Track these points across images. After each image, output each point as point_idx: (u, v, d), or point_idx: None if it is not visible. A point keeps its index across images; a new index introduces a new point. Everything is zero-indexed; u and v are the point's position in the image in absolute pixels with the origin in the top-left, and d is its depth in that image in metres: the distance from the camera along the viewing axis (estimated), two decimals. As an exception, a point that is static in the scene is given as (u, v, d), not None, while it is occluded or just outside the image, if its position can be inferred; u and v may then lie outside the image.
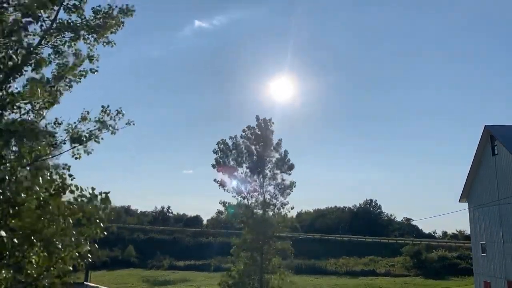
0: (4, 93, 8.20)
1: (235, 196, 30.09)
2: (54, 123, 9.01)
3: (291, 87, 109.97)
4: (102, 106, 9.35)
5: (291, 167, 30.11)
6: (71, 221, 7.37)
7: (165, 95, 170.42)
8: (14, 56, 7.79)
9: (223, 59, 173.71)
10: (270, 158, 30.22)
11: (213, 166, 30.39)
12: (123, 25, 9.37)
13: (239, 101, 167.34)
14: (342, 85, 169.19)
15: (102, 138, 9.27)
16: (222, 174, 30.18)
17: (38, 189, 7.21)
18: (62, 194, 7.38)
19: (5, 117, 8.31)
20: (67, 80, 9.13)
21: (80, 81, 9.26)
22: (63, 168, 8.08)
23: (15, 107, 8.37)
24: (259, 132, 30.30)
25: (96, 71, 9.35)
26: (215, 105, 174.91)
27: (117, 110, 9.38)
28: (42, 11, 8.21)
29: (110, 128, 9.38)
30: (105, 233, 7.70)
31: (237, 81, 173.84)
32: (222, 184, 29.99)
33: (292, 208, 30.58)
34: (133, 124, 9.59)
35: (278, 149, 30.34)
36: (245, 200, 30.15)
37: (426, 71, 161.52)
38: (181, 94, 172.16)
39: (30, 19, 8.00)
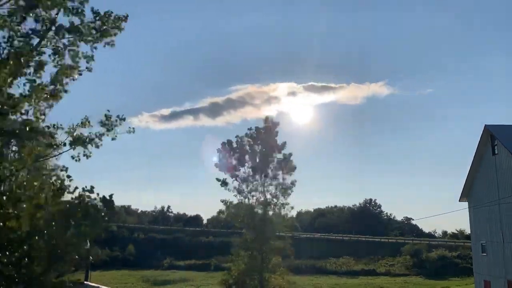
0: (5, 94, 8.21)
1: (236, 195, 30.16)
2: (53, 126, 9.02)
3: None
4: (105, 115, 9.40)
5: (292, 168, 30.13)
6: (71, 221, 7.39)
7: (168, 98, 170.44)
8: (14, 57, 7.80)
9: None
10: (272, 159, 30.27)
11: (216, 165, 30.55)
12: (123, 30, 9.42)
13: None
14: (343, 86, 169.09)
15: (101, 144, 9.31)
16: (225, 173, 30.13)
17: (38, 189, 7.23)
18: (61, 194, 7.41)
19: (6, 118, 8.32)
20: (67, 81, 9.14)
21: (76, 79, 9.29)
22: (61, 170, 8.10)
23: (16, 108, 8.38)
24: (264, 133, 30.44)
25: (91, 69, 9.39)
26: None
27: (117, 116, 9.42)
28: (43, 12, 8.21)
29: (111, 134, 9.42)
30: (105, 232, 7.73)
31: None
32: (224, 183, 30.04)
33: (292, 208, 30.61)
34: (133, 132, 9.63)
35: (282, 150, 30.45)
36: (246, 199, 30.20)
37: (427, 71, 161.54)
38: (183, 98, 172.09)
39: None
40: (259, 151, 30.21)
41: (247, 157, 30.30)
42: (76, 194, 7.42)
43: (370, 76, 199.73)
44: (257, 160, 30.08)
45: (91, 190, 7.32)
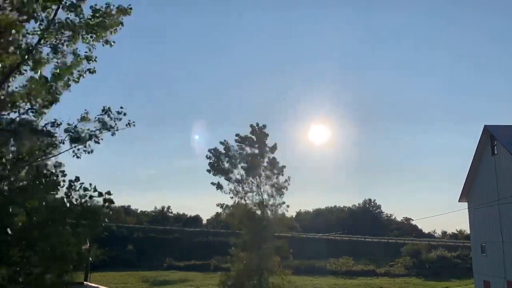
0: (4, 92, 8.18)
1: (232, 197, 30.23)
2: (53, 124, 8.98)
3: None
4: (103, 107, 9.35)
5: (280, 169, 30.17)
6: (70, 220, 7.37)
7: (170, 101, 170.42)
8: (13, 55, 7.77)
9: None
10: (263, 159, 30.42)
11: (208, 171, 30.59)
12: (122, 25, 9.34)
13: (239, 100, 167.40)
14: (343, 84, 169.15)
15: (102, 139, 9.26)
16: (219, 177, 30.44)
17: (37, 188, 7.21)
18: (57, 191, 7.38)
19: (5, 117, 8.30)
20: (66, 79, 9.10)
21: (78, 81, 9.23)
22: (55, 166, 8.06)
23: (14, 107, 8.36)
24: (253, 137, 30.55)
25: (94, 71, 9.32)
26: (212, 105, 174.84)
27: (117, 111, 9.37)
28: (40, 10, 8.17)
29: (111, 129, 9.37)
30: (106, 233, 7.69)
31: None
32: (219, 186, 30.17)
33: (288, 206, 30.62)
34: (134, 126, 9.58)
35: (273, 151, 30.55)
36: (243, 200, 30.24)
37: (426, 71, 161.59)
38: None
39: (25, 17, 7.95)
40: (250, 154, 30.40)
41: (238, 159, 30.50)
42: (74, 192, 7.37)
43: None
44: (249, 161, 30.22)
45: (90, 186, 7.28)
